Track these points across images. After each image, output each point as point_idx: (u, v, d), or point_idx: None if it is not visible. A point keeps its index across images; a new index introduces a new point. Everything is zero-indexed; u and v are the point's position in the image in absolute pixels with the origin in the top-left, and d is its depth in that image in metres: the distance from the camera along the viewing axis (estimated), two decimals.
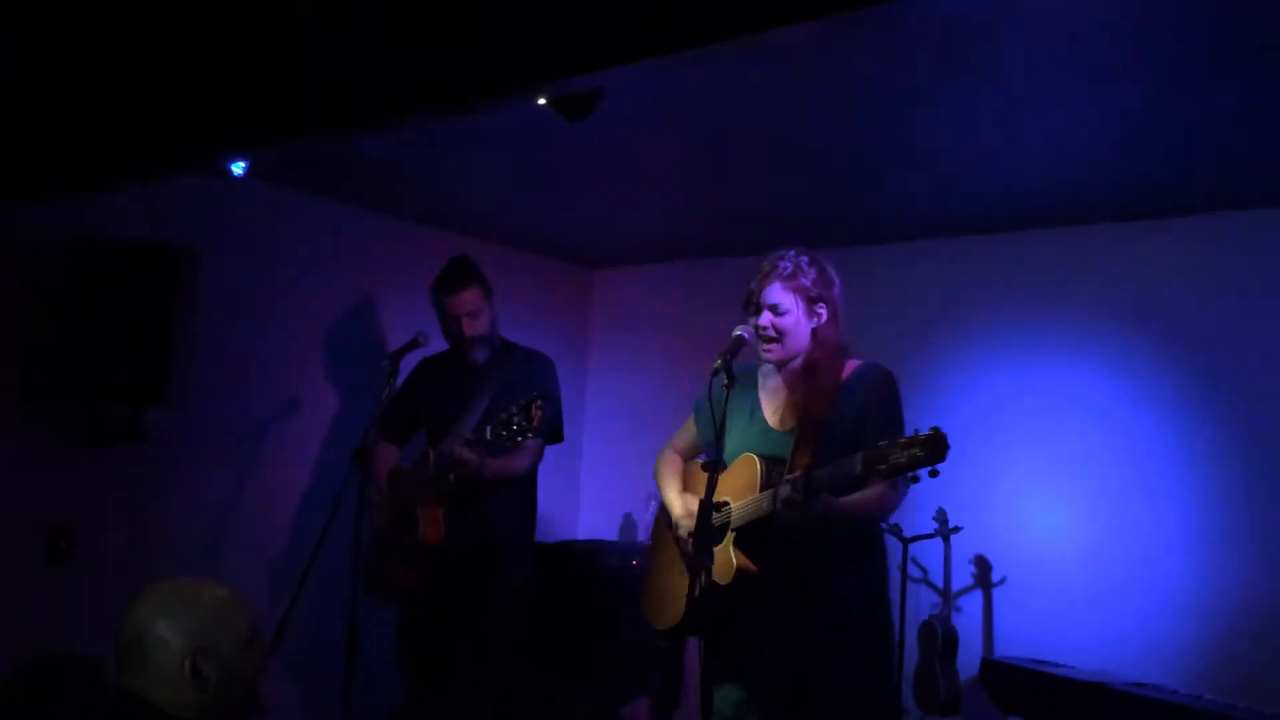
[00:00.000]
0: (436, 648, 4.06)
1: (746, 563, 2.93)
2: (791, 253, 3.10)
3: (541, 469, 4.16)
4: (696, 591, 2.82)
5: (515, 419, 3.55)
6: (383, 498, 4.05)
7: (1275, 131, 3.43)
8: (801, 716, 2.96)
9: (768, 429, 3.10)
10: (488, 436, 3.62)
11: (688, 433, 3.42)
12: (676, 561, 3.19)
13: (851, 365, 3.07)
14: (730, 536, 2.97)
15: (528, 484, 4.11)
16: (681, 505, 3.17)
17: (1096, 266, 4.54)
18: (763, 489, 2.93)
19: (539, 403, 3.54)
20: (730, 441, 3.12)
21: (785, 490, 2.80)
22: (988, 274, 4.80)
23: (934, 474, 2.55)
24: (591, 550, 5.23)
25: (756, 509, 2.92)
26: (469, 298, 4.01)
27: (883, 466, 2.61)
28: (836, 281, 3.13)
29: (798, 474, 2.80)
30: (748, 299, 3.12)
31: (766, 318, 3.06)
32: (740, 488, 3.00)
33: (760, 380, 3.21)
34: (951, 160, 3.91)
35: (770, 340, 3.07)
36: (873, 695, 3.00)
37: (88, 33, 2.96)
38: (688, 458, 3.41)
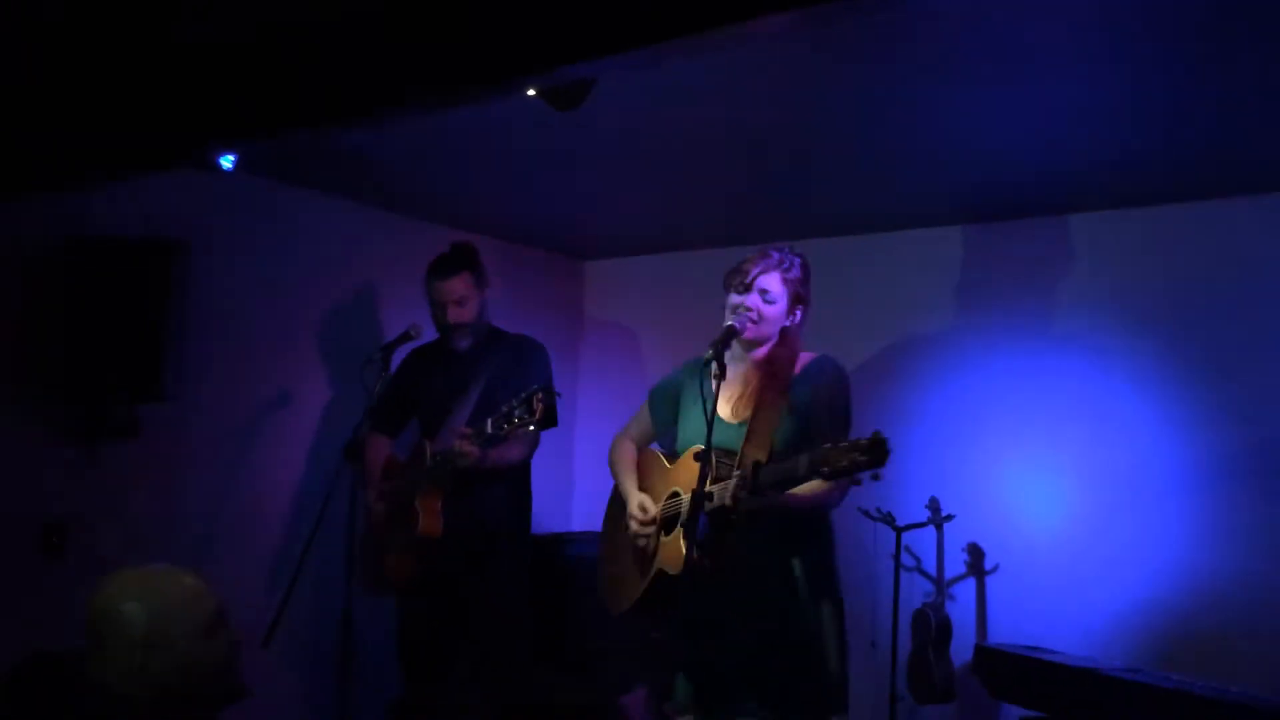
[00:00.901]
0: (435, 639, 4.06)
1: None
2: (789, 252, 3.22)
3: (534, 461, 4.17)
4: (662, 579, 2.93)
5: (516, 412, 3.55)
6: (378, 490, 4.05)
7: (1272, 115, 3.43)
8: (755, 700, 3.02)
9: (720, 421, 3.11)
10: (489, 429, 3.63)
11: (642, 421, 3.49)
12: (627, 549, 3.23)
13: (805, 358, 3.18)
14: (679, 529, 3.02)
15: (522, 472, 4.12)
16: (636, 499, 3.21)
17: (1089, 253, 4.54)
18: (713, 482, 2.97)
19: (540, 395, 3.54)
20: (686, 431, 3.23)
21: (732, 486, 2.88)
22: (981, 262, 4.80)
23: (876, 477, 2.68)
24: (585, 541, 5.22)
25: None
26: (457, 284, 4.02)
27: (826, 469, 2.70)
28: (810, 283, 3.26)
29: (742, 471, 2.90)
30: (740, 275, 3.16)
31: (755, 299, 3.13)
32: (690, 479, 3.01)
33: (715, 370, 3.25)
34: (945, 148, 3.91)
35: (750, 322, 3.13)
36: (820, 677, 3.06)
37: (76, 28, 2.95)
38: (641, 446, 3.48)
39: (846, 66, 3.20)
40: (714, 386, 2.91)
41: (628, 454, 3.44)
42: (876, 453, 2.63)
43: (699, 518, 2.84)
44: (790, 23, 2.11)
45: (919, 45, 3.02)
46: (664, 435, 3.40)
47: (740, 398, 3.15)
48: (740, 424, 3.11)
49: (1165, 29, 2.83)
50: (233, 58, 2.79)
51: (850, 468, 2.65)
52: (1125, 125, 3.57)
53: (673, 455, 3.28)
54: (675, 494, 3.09)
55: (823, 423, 3.05)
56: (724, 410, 3.15)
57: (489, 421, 3.63)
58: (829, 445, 2.71)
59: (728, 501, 2.89)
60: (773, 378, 3.12)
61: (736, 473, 2.92)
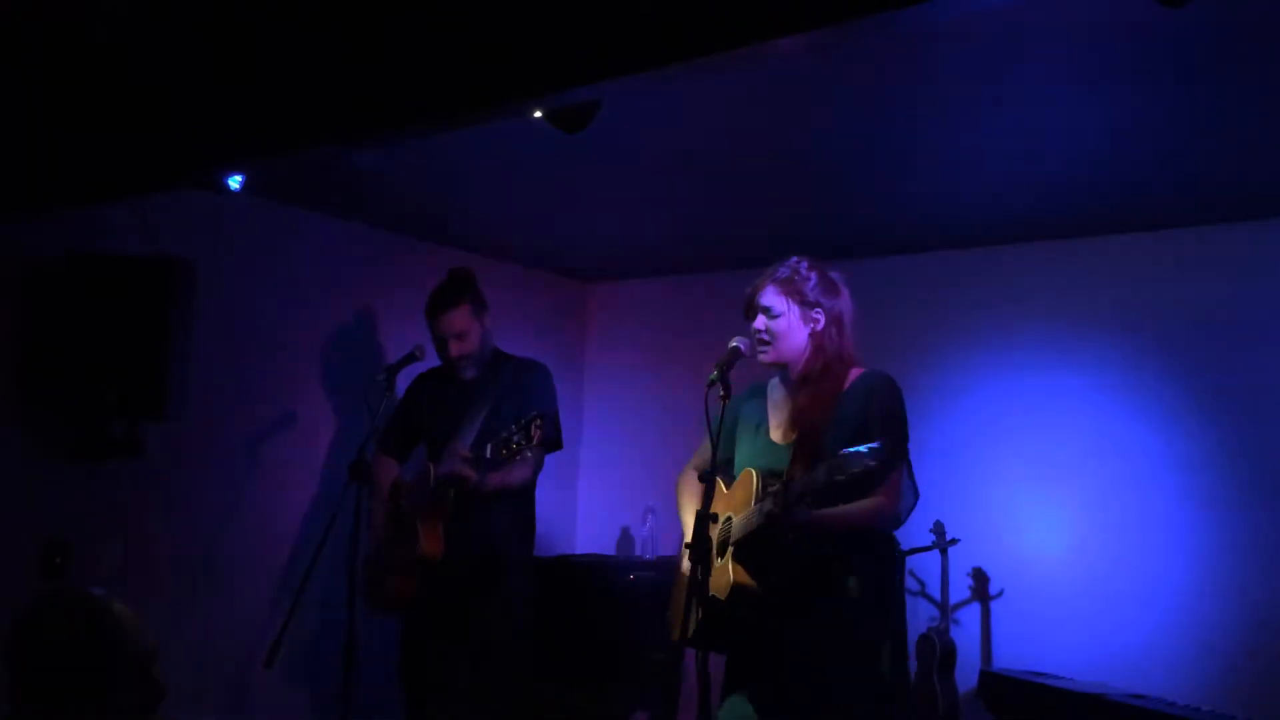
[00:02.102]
0: (438, 661, 4.05)
1: (745, 578, 2.91)
2: (793, 260, 3.11)
3: (539, 484, 4.15)
4: (693, 605, 2.84)
5: (515, 438, 3.55)
6: (384, 512, 4.05)
7: (1266, 145, 3.44)
8: None
9: (770, 443, 3.09)
10: (488, 454, 3.63)
11: (704, 452, 3.34)
12: (685, 578, 3.18)
13: (855, 373, 3.05)
14: (729, 551, 2.96)
15: (526, 494, 4.10)
16: (690, 533, 3.12)
17: (1092, 279, 4.54)
18: (757, 502, 2.92)
19: (538, 421, 3.53)
20: (741, 455, 3.14)
21: (768, 504, 2.80)
22: (984, 286, 4.81)
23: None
24: (589, 565, 5.22)
25: (749, 523, 2.90)
26: (455, 318, 4.00)
27: (840, 477, 2.61)
28: (843, 291, 3.13)
29: (778, 486, 2.81)
30: (746, 304, 3.13)
31: (760, 321, 3.07)
32: (740, 502, 2.99)
33: (769, 393, 3.20)
34: (948, 173, 3.92)
35: (764, 344, 3.07)
36: (875, 709, 2.94)
37: (84, 44, 2.97)
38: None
39: (854, 91, 3.22)
40: (720, 407, 2.88)
41: (693, 485, 3.30)
42: (879, 455, 2.57)
43: (704, 541, 2.82)
44: (797, 46, 2.12)
45: (924, 70, 3.03)
46: (725, 463, 3.21)
47: (787, 419, 3.07)
48: (788, 445, 3.03)
49: (1169, 57, 2.85)
50: (238, 76, 2.80)
51: (864, 474, 2.58)
52: (1133, 150, 3.58)
53: (710, 481, 3.21)
54: (728, 518, 3.02)
55: (875, 436, 2.83)
56: (774, 433, 3.10)
57: (488, 446, 3.63)
58: (846, 451, 2.61)
59: (762, 520, 2.80)
60: (815, 395, 3.01)
61: (771, 489, 2.82)
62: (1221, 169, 3.73)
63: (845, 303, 3.13)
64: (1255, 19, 2.63)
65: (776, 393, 3.19)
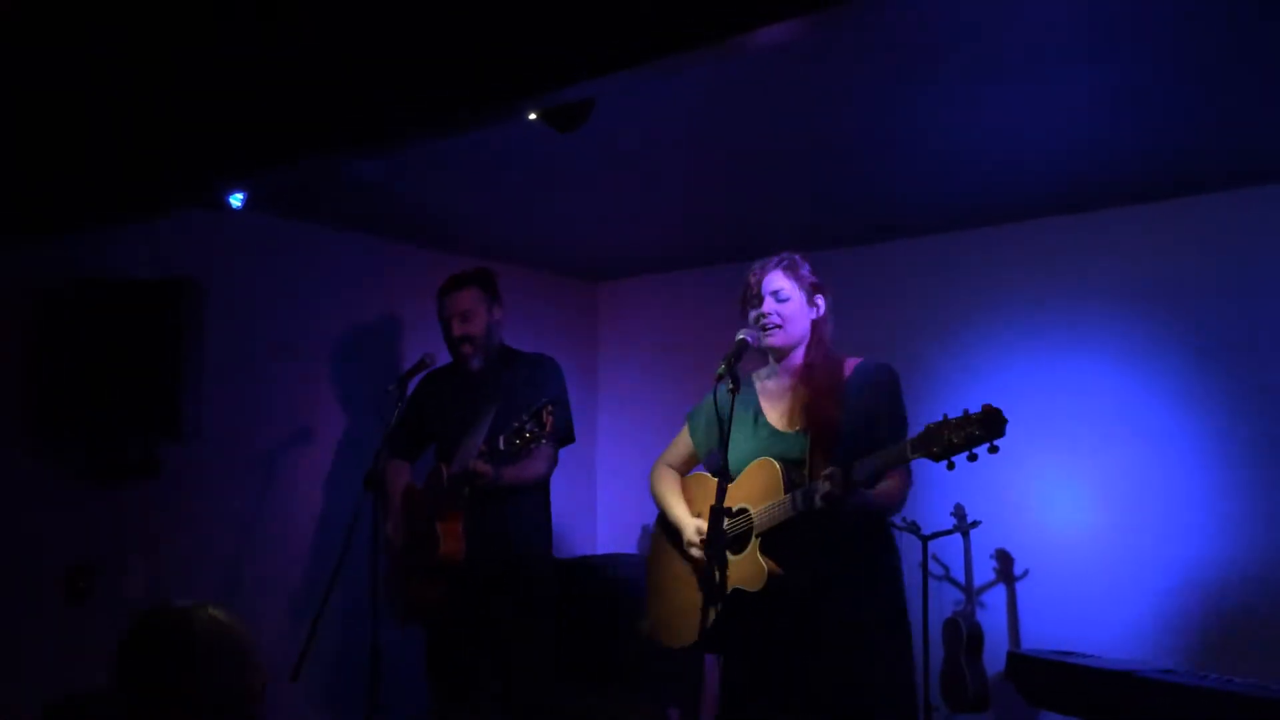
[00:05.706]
0: (463, 661, 4.05)
1: (775, 567, 2.91)
2: (786, 253, 3.17)
3: (557, 484, 4.15)
4: (714, 604, 2.82)
5: (528, 426, 3.54)
6: (398, 517, 4.05)
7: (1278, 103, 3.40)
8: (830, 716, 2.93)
9: (775, 432, 3.08)
10: (501, 446, 3.62)
11: (682, 445, 3.40)
12: (689, 577, 3.16)
13: (851, 363, 3.09)
14: (755, 542, 2.94)
15: (542, 490, 4.10)
16: (693, 525, 3.14)
17: (1107, 253, 4.49)
18: (786, 491, 2.91)
19: (550, 408, 3.54)
20: (734, 448, 3.08)
21: (825, 486, 2.79)
22: (999, 266, 4.76)
23: (993, 450, 2.60)
24: (612, 564, 5.22)
25: (784, 512, 2.89)
26: (463, 298, 4.05)
27: (936, 448, 2.63)
28: (824, 284, 3.19)
29: (832, 469, 2.80)
30: (747, 292, 3.13)
31: (769, 304, 3.08)
32: (759, 492, 2.97)
33: (757, 385, 3.20)
34: (955, 152, 3.88)
35: (774, 327, 3.08)
36: (896, 694, 2.99)
37: (81, 70, 2.98)
38: (683, 471, 3.39)
39: (853, 76, 3.19)
40: (730, 401, 2.87)
41: (672, 480, 3.34)
42: (991, 424, 2.58)
43: (722, 534, 2.81)
44: (788, 32, 2.09)
45: (921, 50, 3.01)
46: (709, 457, 3.27)
47: (792, 407, 3.07)
48: (798, 433, 3.02)
49: (1173, 18, 2.81)
50: (232, 93, 2.80)
51: (965, 443, 2.59)
52: (1140, 118, 3.52)
53: (724, 475, 3.20)
54: (743, 510, 3.00)
55: (883, 427, 2.97)
56: (777, 421, 3.09)
57: (501, 439, 3.62)
58: (934, 424, 2.64)
59: (818, 503, 2.81)
60: (823, 383, 3.03)
61: (826, 473, 2.81)
62: (1238, 131, 3.67)
63: (829, 294, 3.18)
64: None
65: (769, 382, 3.18)
